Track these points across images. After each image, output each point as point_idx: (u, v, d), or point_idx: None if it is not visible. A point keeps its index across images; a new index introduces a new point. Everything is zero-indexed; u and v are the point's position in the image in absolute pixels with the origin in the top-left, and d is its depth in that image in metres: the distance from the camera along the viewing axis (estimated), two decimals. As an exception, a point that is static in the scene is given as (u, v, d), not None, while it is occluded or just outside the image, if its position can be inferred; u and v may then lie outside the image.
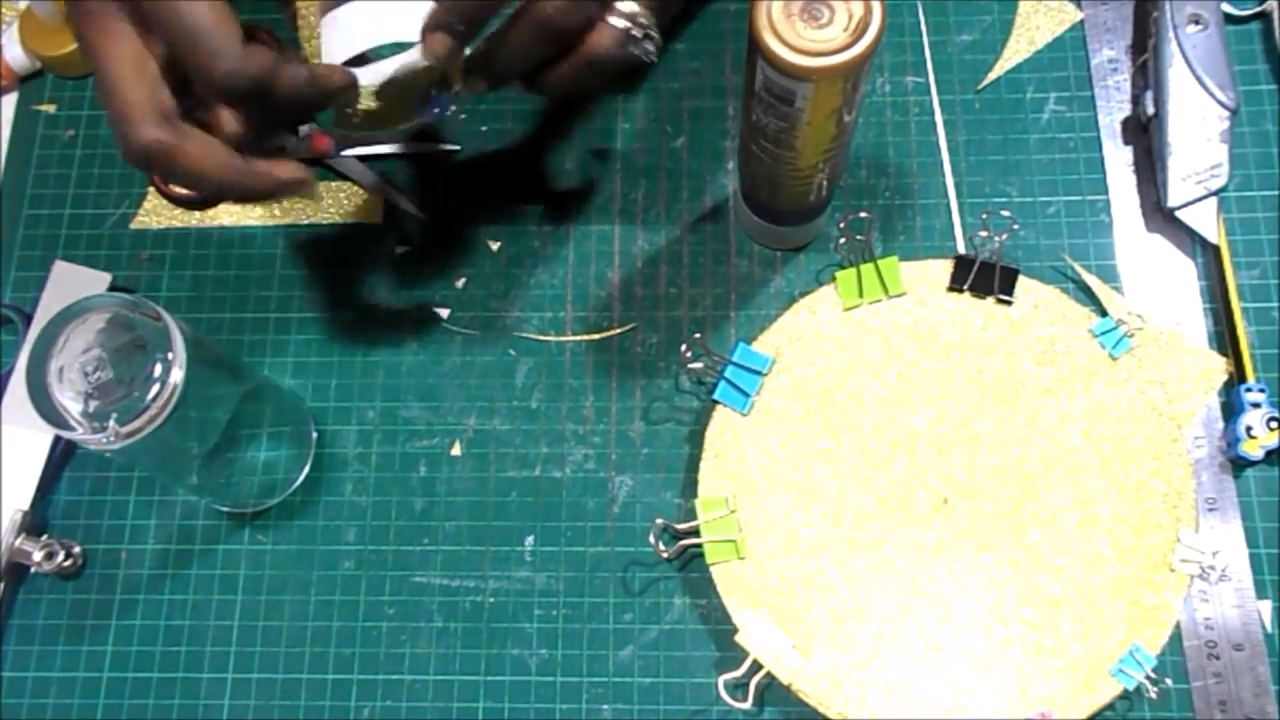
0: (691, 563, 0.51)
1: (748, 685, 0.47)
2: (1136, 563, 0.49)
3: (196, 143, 0.40)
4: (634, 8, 0.43)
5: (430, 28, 0.42)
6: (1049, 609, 0.49)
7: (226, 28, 0.38)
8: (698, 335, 0.53)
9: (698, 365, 0.53)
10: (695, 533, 0.50)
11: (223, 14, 0.39)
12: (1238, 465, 0.51)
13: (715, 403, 0.52)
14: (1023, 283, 0.53)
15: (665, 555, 0.51)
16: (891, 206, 0.56)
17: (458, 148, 0.59)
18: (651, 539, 0.51)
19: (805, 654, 0.48)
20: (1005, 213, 0.53)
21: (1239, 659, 0.49)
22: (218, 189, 0.42)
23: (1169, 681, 0.47)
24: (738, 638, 0.49)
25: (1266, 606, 0.50)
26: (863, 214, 0.55)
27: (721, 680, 0.48)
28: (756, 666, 0.48)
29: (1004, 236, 0.52)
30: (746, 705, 0.47)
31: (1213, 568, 0.48)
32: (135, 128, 0.39)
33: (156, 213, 0.59)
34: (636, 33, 0.43)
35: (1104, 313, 0.53)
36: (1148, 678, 0.47)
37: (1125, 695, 0.48)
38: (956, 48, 0.59)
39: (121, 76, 0.38)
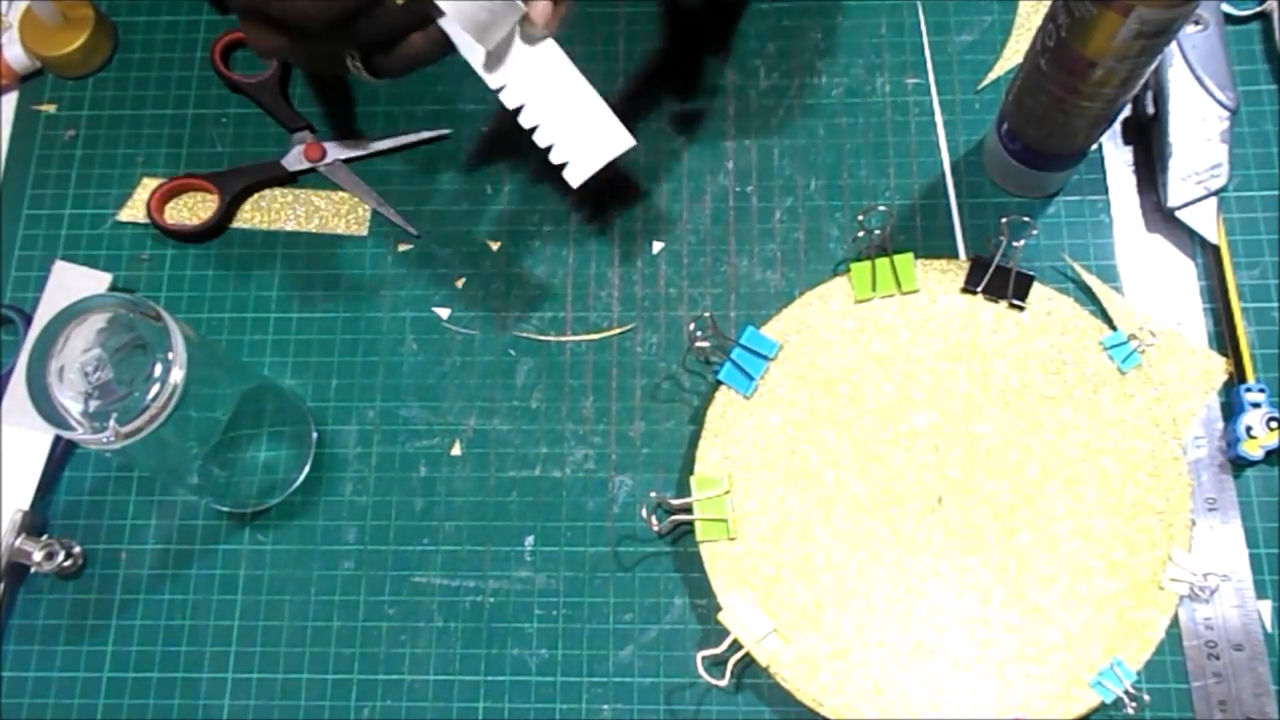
0: (692, 562, 0.51)
1: (726, 663, 0.48)
2: (1125, 578, 0.49)
3: None
4: None
5: None
6: (1033, 615, 0.49)
7: None
8: (708, 314, 0.53)
9: (705, 344, 0.53)
10: (689, 510, 0.51)
11: None
12: (1238, 465, 0.51)
13: (719, 384, 0.52)
14: (1037, 289, 0.53)
15: (657, 529, 0.51)
16: (891, 206, 0.56)
17: (447, 131, 0.58)
18: (644, 513, 0.51)
19: (787, 639, 0.49)
20: (1026, 217, 0.53)
21: (1239, 659, 0.49)
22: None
23: (1147, 698, 0.47)
24: (720, 616, 0.49)
25: (1266, 606, 0.50)
26: (881, 207, 0.55)
27: (700, 656, 0.48)
28: (737, 646, 0.48)
29: (1022, 242, 0.52)
30: (723, 683, 0.48)
31: (1204, 588, 0.48)
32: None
33: (140, 206, 0.59)
34: None
35: (1115, 325, 0.53)
36: (1127, 693, 0.47)
37: (1104, 708, 0.47)
38: (956, 48, 0.59)
39: None
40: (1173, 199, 0.53)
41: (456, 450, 0.54)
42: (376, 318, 0.57)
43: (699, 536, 0.50)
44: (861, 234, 0.56)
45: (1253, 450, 0.50)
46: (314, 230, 0.58)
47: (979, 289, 0.53)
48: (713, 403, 0.52)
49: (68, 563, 0.53)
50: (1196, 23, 0.54)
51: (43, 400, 0.43)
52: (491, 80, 0.49)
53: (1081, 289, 0.54)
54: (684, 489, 0.53)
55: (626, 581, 0.52)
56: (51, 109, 0.62)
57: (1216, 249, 0.54)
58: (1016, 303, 0.53)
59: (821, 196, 0.57)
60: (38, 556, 0.52)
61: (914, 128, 0.58)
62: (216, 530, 0.54)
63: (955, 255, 0.55)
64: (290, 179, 0.59)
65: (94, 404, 0.43)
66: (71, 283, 0.57)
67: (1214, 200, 0.53)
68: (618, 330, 0.56)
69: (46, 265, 0.58)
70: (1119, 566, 0.49)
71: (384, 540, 0.53)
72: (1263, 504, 0.51)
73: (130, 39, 0.63)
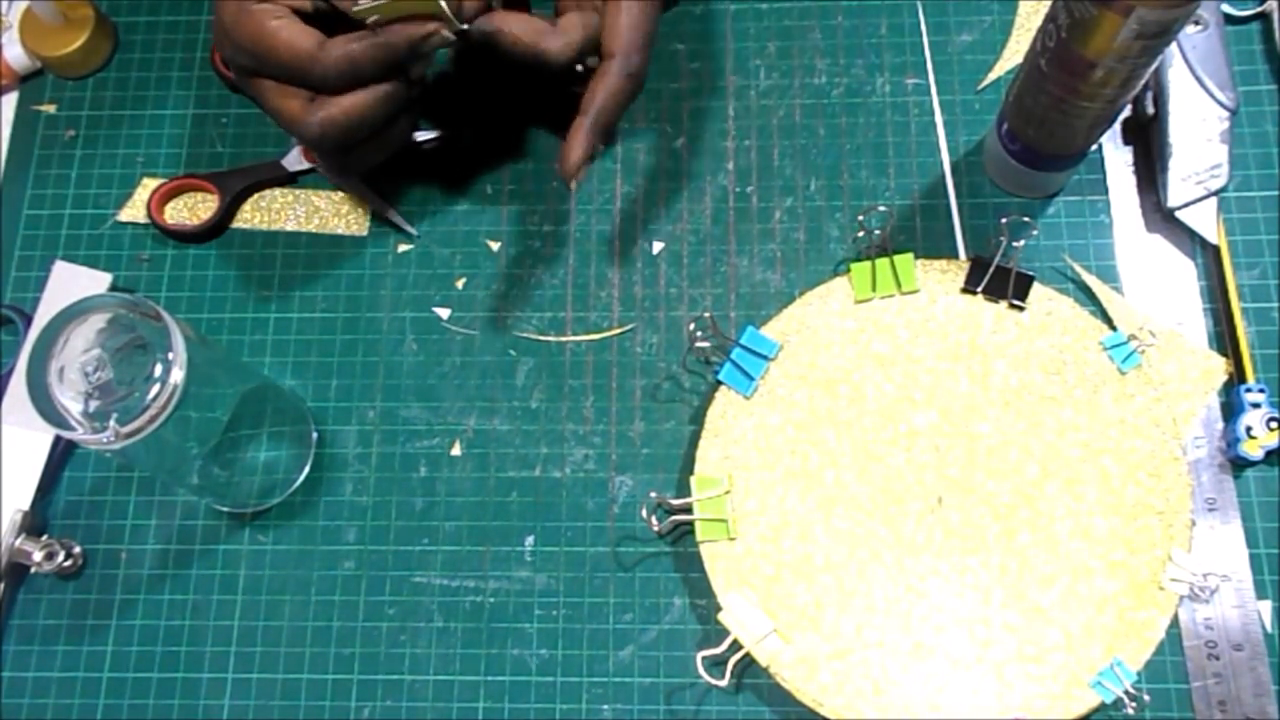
0: (692, 562, 0.51)
1: (726, 663, 0.48)
2: (1125, 578, 0.49)
3: (336, 101, 0.49)
4: None
5: None
6: (1033, 616, 0.49)
7: (296, 111, 0.50)
8: (708, 314, 0.53)
9: (705, 345, 0.53)
10: (688, 510, 0.51)
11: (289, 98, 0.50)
12: (1237, 465, 0.51)
13: (719, 384, 0.52)
14: (1037, 289, 0.53)
15: (657, 529, 0.51)
16: (891, 206, 0.56)
17: (435, 134, 0.59)
18: (644, 513, 0.51)
19: (787, 639, 0.49)
20: (1026, 218, 0.53)
21: (1239, 659, 0.49)
22: (372, 106, 0.50)
23: (1147, 698, 0.47)
24: (720, 616, 0.49)
25: (1266, 606, 0.50)
26: (881, 207, 0.55)
27: (700, 656, 0.48)
28: (737, 646, 0.48)
29: (1022, 242, 0.52)
30: (723, 683, 0.48)
31: (1204, 588, 0.48)
32: (302, 124, 0.49)
33: (140, 206, 0.59)
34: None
35: (1115, 325, 0.53)
36: (1127, 693, 0.47)
37: (1104, 708, 0.47)
38: (956, 48, 0.59)
39: (279, 107, 0.50)
40: (1173, 199, 0.53)
41: (456, 450, 0.54)
42: (376, 318, 0.57)
43: (699, 536, 0.50)
44: (861, 234, 0.56)
45: (1253, 450, 0.50)
46: (314, 230, 0.58)
47: (979, 289, 0.53)
48: (713, 403, 0.52)
49: (68, 563, 0.53)
50: (1196, 23, 0.54)
51: (43, 400, 0.43)
52: None
53: (1081, 289, 0.54)
54: (684, 489, 0.53)
55: (626, 581, 0.52)
56: (51, 109, 0.62)
57: (1216, 249, 0.54)
58: (1016, 303, 0.53)
59: (821, 196, 0.57)
60: (38, 556, 0.52)
61: (914, 128, 0.58)
62: (216, 530, 0.54)
63: (955, 255, 0.55)
64: (290, 179, 0.59)
65: (94, 404, 0.43)
66: (71, 283, 0.57)
67: (1214, 200, 0.53)
68: (618, 330, 0.56)
69: (46, 265, 0.58)
70: (1119, 566, 0.49)
71: (384, 540, 0.53)
72: (1263, 504, 0.51)
73: (130, 39, 0.63)
